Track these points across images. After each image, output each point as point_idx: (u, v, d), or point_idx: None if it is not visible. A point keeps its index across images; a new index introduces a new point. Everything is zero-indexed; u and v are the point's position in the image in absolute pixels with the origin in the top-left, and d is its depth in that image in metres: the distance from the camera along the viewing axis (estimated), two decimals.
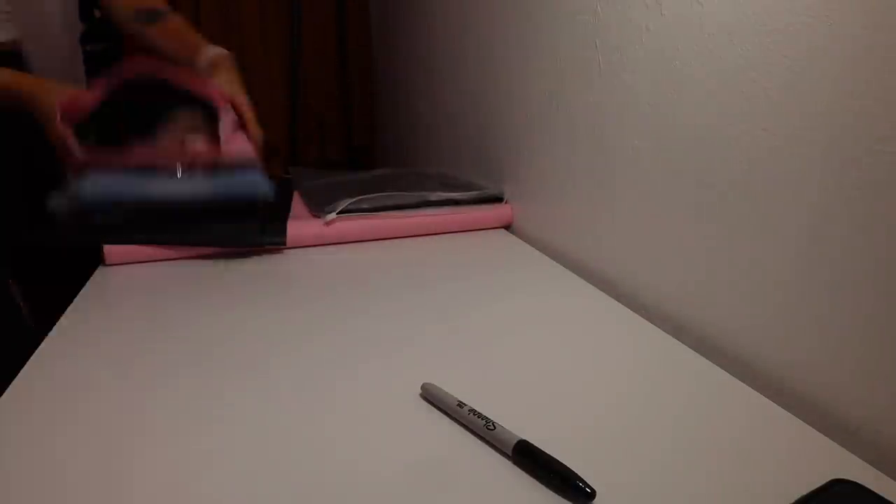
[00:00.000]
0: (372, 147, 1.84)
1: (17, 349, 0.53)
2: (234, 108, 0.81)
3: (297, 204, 0.96)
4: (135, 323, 0.60)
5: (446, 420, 0.45)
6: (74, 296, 0.66)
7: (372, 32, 1.55)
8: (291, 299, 0.66)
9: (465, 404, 0.45)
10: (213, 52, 0.86)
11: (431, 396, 0.47)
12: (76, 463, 0.39)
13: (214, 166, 0.78)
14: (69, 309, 0.62)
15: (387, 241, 0.86)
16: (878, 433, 0.44)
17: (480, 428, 0.43)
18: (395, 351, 0.55)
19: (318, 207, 0.87)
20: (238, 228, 0.78)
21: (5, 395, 0.47)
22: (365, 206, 0.86)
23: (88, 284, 0.70)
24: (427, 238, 0.89)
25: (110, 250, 0.76)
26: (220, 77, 0.83)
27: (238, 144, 0.80)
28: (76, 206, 0.71)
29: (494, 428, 0.42)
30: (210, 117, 0.80)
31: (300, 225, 0.84)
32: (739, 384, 0.50)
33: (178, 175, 0.76)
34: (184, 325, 0.60)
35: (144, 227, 0.75)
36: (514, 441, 0.40)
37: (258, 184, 0.79)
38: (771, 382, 0.52)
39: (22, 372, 0.50)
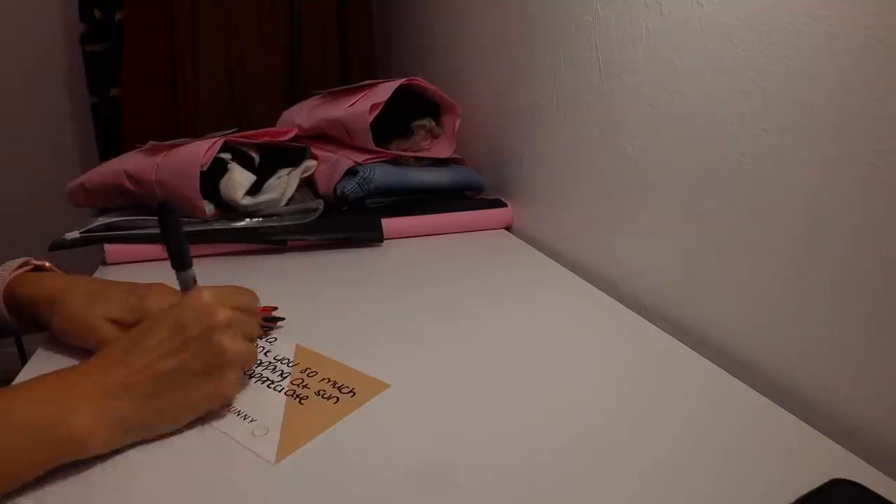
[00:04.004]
0: None
1: None
2: None
3: None
4: None
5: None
6: None
7: (373, 31, 1.56)
8: (293, 298, 0.65)
9: None
10: None
11: None
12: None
13: (446, 162, 0.98)
14: None
15: (385, 242, 0.86)
16: (878, 433, 0.44)
17: None
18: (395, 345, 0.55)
19: None
20: (357, 224, 0.86)
21: None
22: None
23: None
24: (428, 238, 0.89)
25: (110, 250, 0.75)
26: None
27: (451, 145, 0.98)
28: (360, 192, 0.88)
29: None
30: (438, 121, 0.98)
31: None
32: (739, 384, 0.50)
33: (425, 167, 0.95)
34: None
35: (404, 209, 0.90)
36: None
37: (475, 176, 0.99)
38: (771, 382, 0.52)
39: (21, 372, 0.50)
